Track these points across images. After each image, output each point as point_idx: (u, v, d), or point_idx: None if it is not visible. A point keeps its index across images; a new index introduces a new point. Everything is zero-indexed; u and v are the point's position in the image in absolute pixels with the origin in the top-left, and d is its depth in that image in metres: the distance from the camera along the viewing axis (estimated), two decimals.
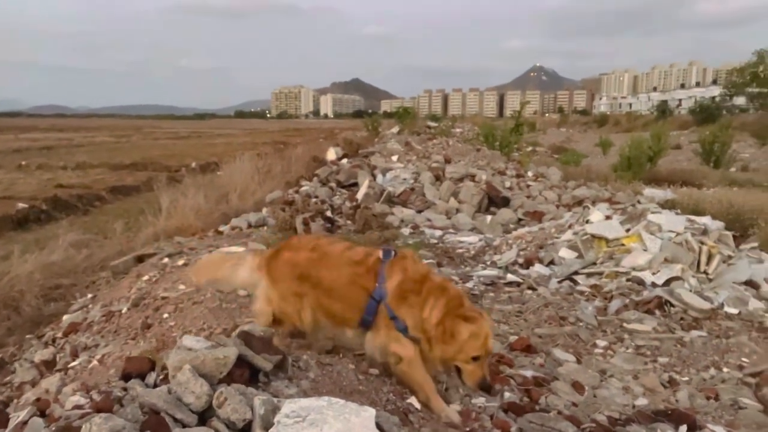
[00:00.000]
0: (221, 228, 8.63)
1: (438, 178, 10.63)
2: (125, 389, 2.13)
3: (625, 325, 4.32)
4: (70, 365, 3.85)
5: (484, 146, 15.10)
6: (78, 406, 2.02)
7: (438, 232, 8.42)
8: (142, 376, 2.23)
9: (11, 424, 2.00)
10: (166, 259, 5.69)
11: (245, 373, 2.27)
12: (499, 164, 12.16)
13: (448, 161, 11.79)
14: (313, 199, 9.61)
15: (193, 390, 2.04)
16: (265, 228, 8.39)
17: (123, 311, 4.59)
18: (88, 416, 1.78)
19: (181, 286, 4.60)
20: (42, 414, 2.08)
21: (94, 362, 3.63)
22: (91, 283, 6.90)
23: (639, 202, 8.39)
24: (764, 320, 4.47)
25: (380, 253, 3.00)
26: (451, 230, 8.67)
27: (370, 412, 2.14)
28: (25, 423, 1.99)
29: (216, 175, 17.15)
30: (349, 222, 8.90)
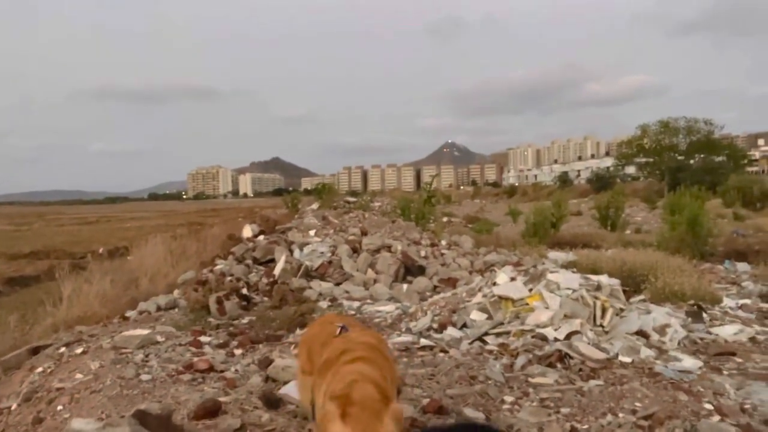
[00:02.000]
0: (128, 314, 8.21)
1: (355, 251, 10.80)
2: None
3: (530, 379, 4.52)
4: None
5: (400, 218, 15.62)
6: None
7: (356, 303, 8.47)
8: None
9: None
10: (63, 349, 5.33)
11: None
12: (414, 234, 12.58)
13: (364, 233, 12.04)
14: (228, 278, 9.42)
15: None
16: (176, 310, 8.08)
17: (12, 408, 4.22)
18: None
19: (78, 375, 4.33)
20: None
21: None
22: None
23: (543, 263, 8.94)
24: (653, 366, 4.84)
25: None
26: (369, 300, 8.75)
27: None
28: None
29: (125, 260, 16.39)
30: (266, 298, 8.76)
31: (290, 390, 4.18)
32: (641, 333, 5.66)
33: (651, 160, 62.63)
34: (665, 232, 14.70)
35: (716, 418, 3.87)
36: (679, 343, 5.61)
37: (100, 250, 23.72)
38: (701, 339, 5.87)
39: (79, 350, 5.07)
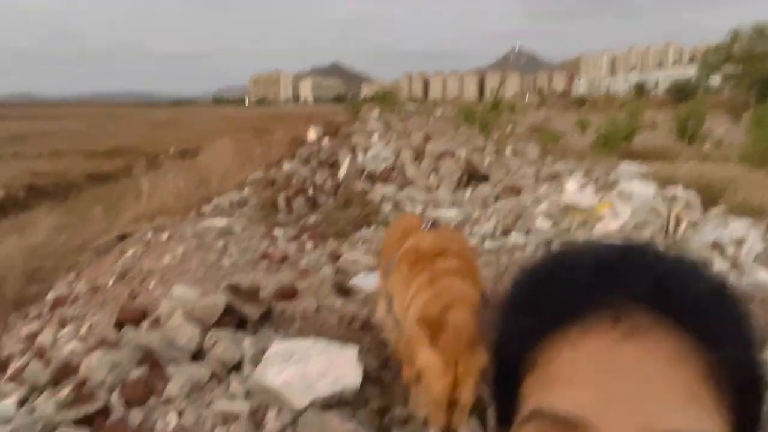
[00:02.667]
0: (204, 208, 8.68)
1: (418, 156, 10.76)
2: (119, 336, 2.24)
3: None
4: (59, 334, 3.93)
5: (464, 125, 15.31)
6: (74, 352, 2.12)
7: (419, 208, 8.57)
8: (135, 324, 2.34)
9: (10, 369, 2.09)
10: (149, 235, 5.76)
11: (233, 320, 2.40)
12: (478, 142, 12.34)
13: (428, 139, 11.92)
14: (295, 178, 9.68)
15: (185, 333, 2.16)
16: (247, 206, 8.46)
17: (109, 284, 4.67)
18: (88, 354, 1.89)
19: (167, 258, 4.69)
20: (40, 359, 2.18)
21: (83, 329, 3.72)
22: (73, 264, 6.93)
23: (615, 173, 8.63)
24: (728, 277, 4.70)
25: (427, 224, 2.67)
26: (431, 205, 8.82)
27: (352, 351, 2.29)
28: (23, 368, 2.09)
29: (195, 161, 17.07)
30: (331, 199, 9.01)
31: (360, 280, 4.39)
32: (716, 246, 5.46)
33: (740, 69, 57.20)
34: (749, 146, 13.71)
35: None
36: (755, 258, 5.40)
37: (172, 151, 24.75)
38: None
39: (164, 237, 5.46)
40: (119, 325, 2.34)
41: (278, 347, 2.20)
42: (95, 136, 35.72)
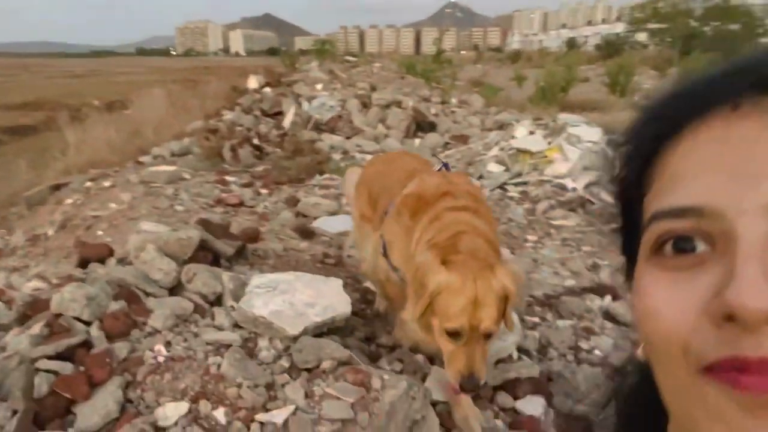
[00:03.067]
0: (141, 158, 8.21)
1: (365, 105, 10.58)
2: (85, 273, 2.08)
3: (551, 222, 4.67)
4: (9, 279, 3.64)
5: (407, 76, 15.17)
6: (38, 290, 1.95)
7: (368, 157, 8.48)
8: (101, 262, 2.18)
9: None
10: (89, 183, 5.39)
11: (208, 255, 2.28)
12: (423, 92, 12.26)
13: (374, 89, 11.71)
14: (238, 127, 9.30)
15: (160, 267, 2.03)
16: (190, 156, 8.07)
17: (49, 234, 4.35)
18: (56, 290, 1.74)
19: (113, 205, 4.41)
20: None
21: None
22: (2, 218, 6.43)
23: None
24: None
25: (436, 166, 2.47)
26: (381, 154, 8.76)
27: (336, 282, 2.24)
28: None
29: (124, 114, 16.05)
30: (277, 149, 8.74)
31: (322, 223, 4.31)
32: None
33: (664, 26, 59.59)
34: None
35: None
36: None
37: (96, 103, 23.14)
38: None
39: (107, 183, 5.13)
40: (83, 264, 2.16)
41: (260, 280, 2.12)
42: (9, 89, 32.83)
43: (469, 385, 1.66)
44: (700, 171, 0.40)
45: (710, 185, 0.38)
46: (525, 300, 3.13)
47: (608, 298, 3.28)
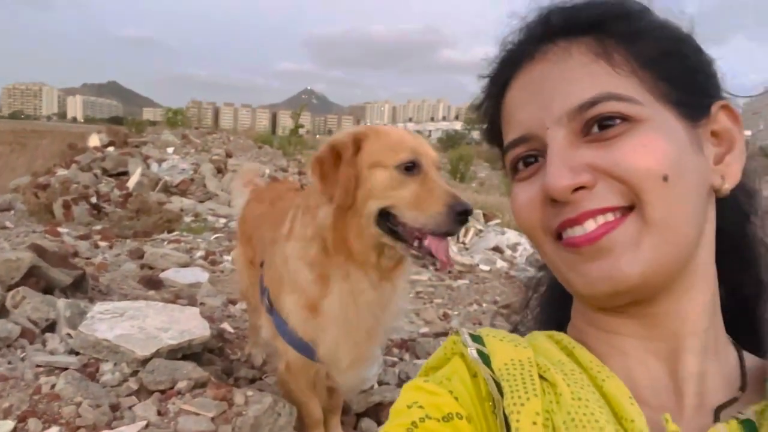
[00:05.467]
0: None
1: (220, 170, 10.35)
2: None
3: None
4: None
5: (266, 146, 15.22)
6: None
7: (222, 220, 8.21)
8: None
9: None
10: None
11: (41, 282, 1.99)
12: (281, 161, 12.35)
13: (229, 155, 11.54)
14: (74, 185, 8.48)
15: None
16: (12, 213, 7.12)
17: None
18: None
19: None
20: None
21: None
22: None
23: None
24: (509, 272, 5.48)
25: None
26: (234, 218, 8.52)
27: (193, 309, 2.10)
28: None
29: None
30: (119, 210, 8.09)
31: (171, 274, 4.03)
32: (497, 249, 6.33)
33: None
34: (508, 183, 16.32)
35: None
36: (526, 259, 6.39)
37: None
38: None
39: None
40: None
41: (105, 307, 1.91)
42: None
43: (463, 208, 1.40)
44: (520, 109, 0.56)
45: (527, 117, 0.55)
46: (385, 342, 3.17)
47: None
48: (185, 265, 4.32)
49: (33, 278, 1.97)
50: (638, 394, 0.51)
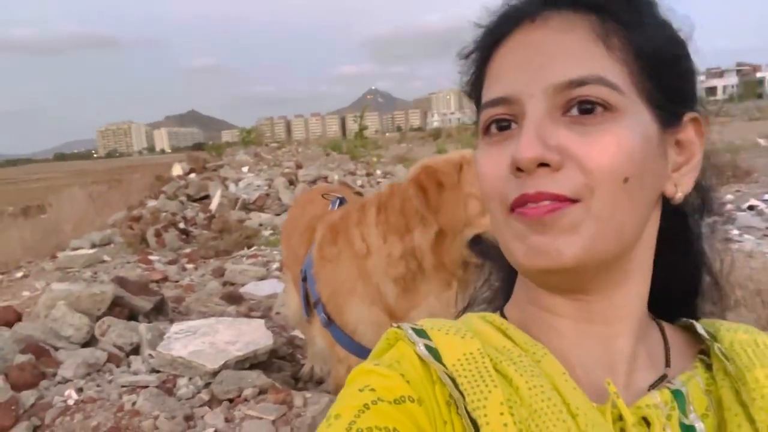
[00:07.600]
0: (59, 254, 7.87)
1: (291, 182, 10.76)
2: None
3: None
4: None
5: (333, 153, 15.64)
6: None
7: None
8: (8, 326, 2.09)
9: None
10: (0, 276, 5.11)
11: (125, 311, 2.23)
12: (349, 166, 12.64)
13: (299, 166, 11.96)
14: (163, 213, 9.16)
15: (71, 323, 1.97)
16: (112, 245, 7.82)
17: None
18: None
19: (25, 293, 4.19)
20: None
21: None
22: None
23: None
24: None
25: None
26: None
27: (259, 321, 2.25)
28: None
29: (41, 218, 15.39)
30: (205, 231, 8.65)
31: (250, 288, 4.29)
32: None
33: None
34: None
35: None
36: None
37: (10, 210, 22.02)
38: None
39: (19, 275, 4.88)
40: None
41: (180, 327, 2.11)
42: None
43: None
44: (508, 69, 0.55)
45: (513, 79, 0.53)
46: None
47: None
48: (262, 278, 4.58)
49: (117, 308, 2.21)
50: (572, 374, 0.53)
